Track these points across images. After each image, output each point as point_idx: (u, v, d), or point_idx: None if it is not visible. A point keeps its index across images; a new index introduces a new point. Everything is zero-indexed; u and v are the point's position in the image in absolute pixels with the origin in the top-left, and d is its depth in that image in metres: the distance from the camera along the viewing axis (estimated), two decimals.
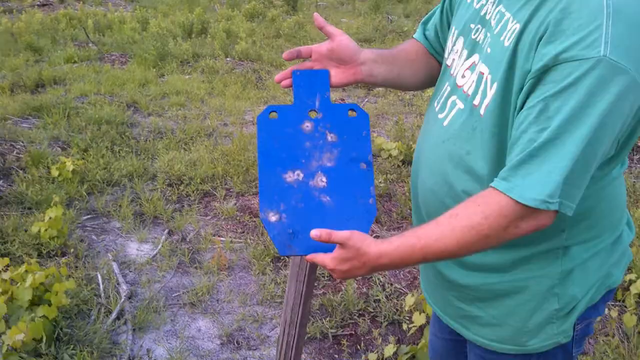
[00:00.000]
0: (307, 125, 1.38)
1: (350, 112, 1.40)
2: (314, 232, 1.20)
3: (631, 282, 2.99)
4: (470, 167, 1.25)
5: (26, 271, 2.68)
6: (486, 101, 1.20)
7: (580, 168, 1.06)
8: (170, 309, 3.01)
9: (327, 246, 1.24)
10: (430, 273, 1.49)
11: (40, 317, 2.51)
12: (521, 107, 1.11)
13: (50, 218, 3.35)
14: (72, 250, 3.39)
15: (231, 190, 4.25)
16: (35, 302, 2.61)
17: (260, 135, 1.37)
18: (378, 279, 3.21)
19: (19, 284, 2.63)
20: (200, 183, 4.30)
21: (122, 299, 2.99)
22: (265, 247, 3.49)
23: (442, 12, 1.51)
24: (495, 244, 1.15)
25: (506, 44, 1.16)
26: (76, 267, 3.25)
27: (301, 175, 1.35)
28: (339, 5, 15.18)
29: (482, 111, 1.21)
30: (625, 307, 2.92)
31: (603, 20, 1.02)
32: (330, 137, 1.37)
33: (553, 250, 1.26)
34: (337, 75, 1.43)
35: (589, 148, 1.05)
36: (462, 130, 1.26)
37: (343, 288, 3.12)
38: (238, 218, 3.89)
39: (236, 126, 5.65)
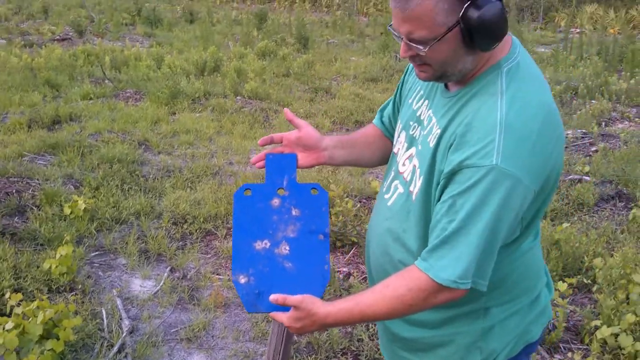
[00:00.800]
0: (276, 201, 1.64)
1: (312, 191, 1.66)
2: (272, 297, 1.48)
3: (597, 327, 3.18)
4: (404, 242, 1.53)
5: (37, 307, 2.93)
6: (416, 190, 1.47)
7: (484, 251, 1.32)
8: (168, 344, 3.24)
9: (287, 307, 1.50)
10: (381, 328, 1.75)
11: (48, 350, 2.76)
12: (438, 199, 1.38)
13: (61, 255, 3.61)
14: (79, 286, 3.65)
15: (232, 229, 4.49)
16: (44, 336, 2.86)
17: (235, 209, 1.63)
18: None
19: (30, 318, 2.87)
20: (203, 222, 4.56)
21: (124, 334, 3.23)
22: None
23: (393, 104, 1.80)
24: (418, 310, 1.43)
25: (430, 145, 1.44)
26: (83, 302, 3.50)
27: (268, 244, 1.60)
28: (350, 43, 15.58)
29: (413, 197, 1.49)
30: (589, 351, 3.12)
31: (496, 135, 1.29)
32: (294, 211, 1.63)
33: (475, 310, 1.51)
34: (303, 158, 1.71)
35: (489, 236, 1.31)
36: (400, 211, 1.54)
37: (327, 328, 3.34)
38: None
39: (241, 165, 5.93)
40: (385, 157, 1.80)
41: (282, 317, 1.50)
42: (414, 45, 1.34)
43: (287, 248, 1.60)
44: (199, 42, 13.50)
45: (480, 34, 1.29)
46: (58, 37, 14.29)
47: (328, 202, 1.65)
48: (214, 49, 10.87)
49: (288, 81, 10.01)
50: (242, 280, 1.57)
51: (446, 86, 1.50)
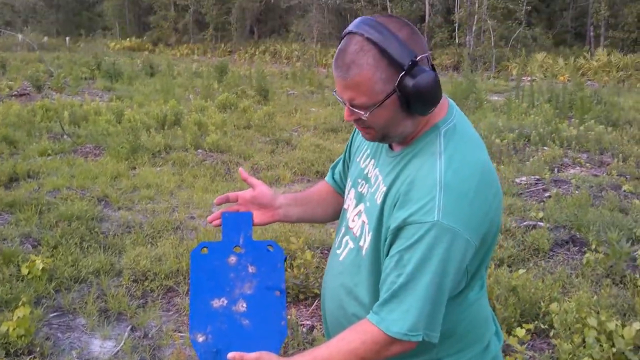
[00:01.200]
0: (232, 259, 1.68)
1: (269, 247, 1.70)
2: (230, 355, 1.50)
3: None
4: (356, 296, 1.59)
5: None
6: (365, 245, 1.55)
7: (432, 303, 1.39)
8: None
9: None
10: None
11: None
12: (387, 254, 1.46)
13: (18, 317, 3.55)
14: (38, 348, 3.57)
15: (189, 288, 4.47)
16: None
17: (192, 268, 1.67)
18: None
19: None
20: (165, 278, 4.53)
21: None
22: None
23: (343, 162, 1.90)
24: None
25: (377, 202, 1.52)
26: None
27: (225, 301, 1.63)
28: (309, 95, 15.85)
29: (363, 252, 1.56)
30: None
31: (436, 193, 1.38)
32: (250, 269, 1.67)
33: None
34: (258, 216, 1.77)
35: (436, 288, 1.39)
36: (351, 266, 1.61)
37: None
38: None
39: (202, 219, 5.92)
40: (337, 213, 1.87)
41: None
42: (356, 110, 1.44)
43: (244, 305, 1.63)
44: (159, 95, 13.59)
45: (416, 100, 1.40)
46: (16, 92, 14.21)
47: (283, 259, 1.70)
48: (174, 102, 10.95)
49: (249, 133, 10.12)
50: (200, 338, 1.59)
51: (390, 146, 1.60)
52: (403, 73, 1.38)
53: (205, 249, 1.69)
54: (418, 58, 1.39)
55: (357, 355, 1.43)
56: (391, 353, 1.43)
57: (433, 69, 1.43)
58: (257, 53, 35.77)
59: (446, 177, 1.40)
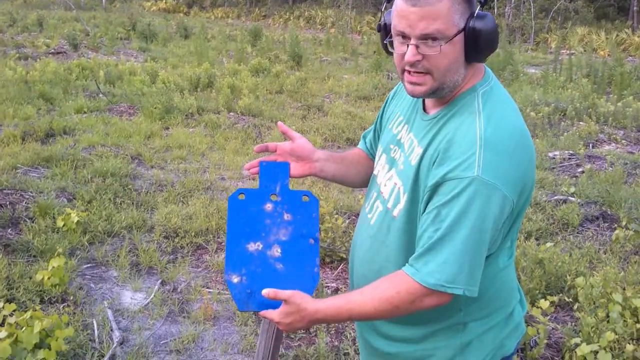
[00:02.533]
0: (269, 206, 1.72)
1: (304, 197, 1.74)
2: (264, 291, 1.55)
3: (577, 345, 3.27)
4: (388, 256, 1.61)
5: (31, 317, 2.98)
6: (399, 206, 1.56)
7: (471, 257, 1.40)
8: (158, 355, 3.30)
9: (277, 305, 1.57)
10: (362, 343, 1.83)
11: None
12: (424, 211, 1.47)
13: (53, 267, 3.67)
14: (71, 297, 3.70)
15: (222, 244, 4.57)
16: (37, 346, 2.91)
17: (230, 212, 1.71)
18: (349, 333, 3.50)
19: (23, 328, 2.93)
20: (195, 236, 4.63)
21: (114, 345, 3.29)
22: None
23: (374, 132, 1.91)
24: (404, 313, 1.49)
25: (413, 163, 1.53)
26: (74, 313, 3.55)
27: (261, 246, 1.68)
28: (343, 62, 15.74)
29: (395, 213, 1.57)
30: None
31: (476, 149, 1.39)
32: (286, 216, 1.71)
33: (454, 325, 1.58)
34: (295, 168, 1.79)
35: (473, 242, 1.39)
36: (381, 227, 1.63)
37: (316, 341, 3.40)
38: None
39: (233, 181, 6.00)
40: (369, 178, 1.89)
41: (272, 314, 1.56)
42: (426, 44, 1.42)
43: (279, 250, 1.67)
44: (193, 57, 13.64)
45: (482, 43, 1.42)
46: (53, 50, 14.39)
47: (318, 208, 1.73)
48: (207, 65, 10.99)
49: (281, 98, 10.13)
50: (235, 279, 1.64)
51: (424, 110, 1.61)
52: (473, 13, 1.42)
53: (242, 195, 1.73)
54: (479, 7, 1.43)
55: (391, 303, 1.45)
56: (425, 305, 1.45)
57: None
58: (291, 18, 35.52)
59: (486, 134, 1.40)
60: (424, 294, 1.43)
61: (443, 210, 1.40)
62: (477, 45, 1.42)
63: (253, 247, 1.68)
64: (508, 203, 1.41)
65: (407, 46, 1.44)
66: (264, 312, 1.59)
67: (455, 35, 1.41)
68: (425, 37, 1.42)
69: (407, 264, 1.47)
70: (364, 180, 1.92)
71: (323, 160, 1.82)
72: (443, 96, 1.52)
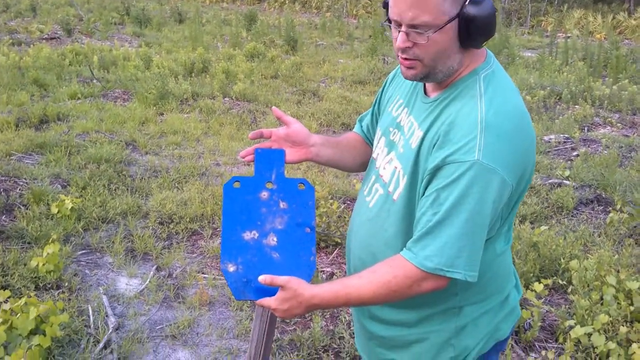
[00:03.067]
0: (264, 194, 1.71)
1: (300, 185, 1.73)
2: (261, 277, 1.54)
3: (571, 327, 3.29)
4: (387, 241, 1.60)
5: (26, 303, 2.98)
6: (399, 190, 1.55)
7: (470, 241, 1.40)
8: (154, 341, 3.31)
9: (273, 292, 1.56)
10: (358, 327, 1.83)
11: (36, 346, 2.82)
12: (423, 194, 1.46)
13: (47, 254, 3.66)
14: (66, 283, 3.71)
15: (217, 229, 4.57)
16: (32, 332, 2.91)
17: (225, 201, 1.70)
18: (344, 317, 3.51)
19: (18, 314, 2.93)
20: (190, 222, 4.62)
21: (110, 330, 3.29)
22: None
23: (372, 115, 1.90)
24: (402, 297, 1.50)
25: (413, 146, 1.52)
26: (69, 299, 3.56)
27: (257, 234, 1.67)
28: (338, 46, 15.66)
29: (395, 197, 1.56)
30: (563, 350, 3.22)
31: (477, 133, 1.38)
32: (282, 204, 1.70)
33: (449, 309, 1.59)
34: (291, 154, 1.77)
35: (472, 226, 1.39)
36: (381, 211, 1.62)
37: (312, 325, 3.41)
38: None
39: (228, 166, 5.99)
40: (364, 163, 1.89)
41: (269, 301, 1.55)
42: (415, 32, 1.42)
43: (275, 239, 1.67)
44: (187, 42, 13.55)
45: (476, 29, 1.40)
46: (46, 35, 14.28)
47: (314, 197, 1.72)
48: (202, 50, 10.93)
49: (276, 83, 10.08)
50: (231, 268, 1.63)
51: (425, 93, 1.59)
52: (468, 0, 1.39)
53: (237, 182, 1.72)
54: None
55: (388, 287, 1.46)
56: (423, 289, 1.45)
57: None
58: (286, 2, 35.29)
59: (487, 117, 1.39)
60: (422, 278, 1.43)
61: (442, 193, 1.40)
62: (471, 32, 1.41)
63: (249, 235, 1.67)
64: (507, 187, 1.41)
65: (399, 32, 1.44)
66: (260, 301, 1.58)
67: (447, 23, 1.39)
68: (414, 26, 1.41)
69: (405, 248, 1.47)
70: (360, 165, 1.91)
71: (319, 145, 1.80)
72: (440, 80, 1.51)
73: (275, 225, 1.69)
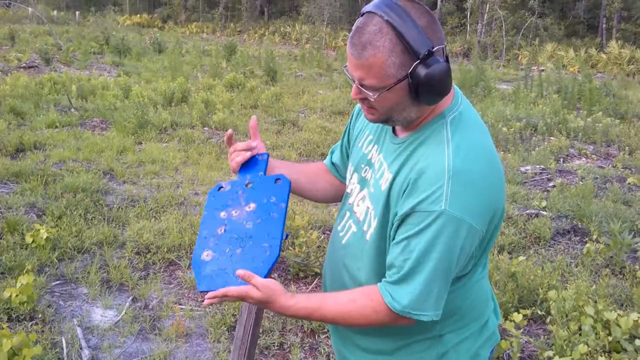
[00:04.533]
0: (241, 193, 1.72)
1: (277, 181, 1.72)
2: (239, 272, 1.48)
3: (550, 358, 3.28)
4: (359, 280, 1.62)
5: None
6: (370, 230, 1.57)
7: (437, 286, 1.43)
8: None
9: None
10: (338, 355, 1.83)
11: None
12: (393, 238, 1.48)
13: (21, 284, 3.59)
14: (40, 315, 3.62)
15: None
16: None
17: (207, 205, 1.72)
18: (323, 348, 3.47)
19: None
20: (167, 252, 4.57)
21: None
22: (222, 316, 3.75)
23: (341, 147, 1.90)
24: (376, 327, 1.53)
25: (382, 188, 1.53)
26: (43, 331, 3.48)
27: (224, 227, 1.66)
28: (317, 77, 15.81)
29: (367, 237, 1.58)
30: None
31: (444, 182, 1.39)
32: (251, 205, 1.69)
33: (429, 338, 1.59)
34: None
35: (440, 272, 1.41)
36: (354, 249, 1.64)
37: (290, 357, 3.37)
38: None
39: (207, 196, 5.95)
40: (328, 193, 1.91)
41: (240, 289, 1.48)
42: (364, 90, 1.44)
43: (250, 224, 1.65)
44: (167, 72, 13.58)
45: (426, 90, 1.39)
46: (24, 64, 14.21)
47: (289, 189, 1.70)
48: (182, 79, 10.94)
49: (256, 113, 10.12)
50: (206, 257, 1.60)
51: (394, 132, 1.61)
52: (417, 62, 1.37)
53: (222, 188, 1.74)
54: (435, 49, 1.37)
55: (367, 320, 1.49)
56: (398, 324, 1.49)
57: (447, 60, 1.42)
58: (266, 34, 35.64)
59: (455, 165, 1.40)
60: (398, 317, 1.47)
61: (412, 241, 1.42)
62: (422, 92, 1.40)
63: (220, 230, 1.65)
64: (477, 234, 1.43)
65: (354, 83, 1.47)
66: (237, 288, 1.48)
67: (394, 84, 1.40)
68: (362, 85, 1.44)
69: (382, 283, 1.49)
70: (322, 195, 1.93)
71: (277, 168, 1.81)
72: (402, 125, 1.53)
73: (243, 217, 1.67)
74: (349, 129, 1.85)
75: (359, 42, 1.39)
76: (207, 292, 1.54)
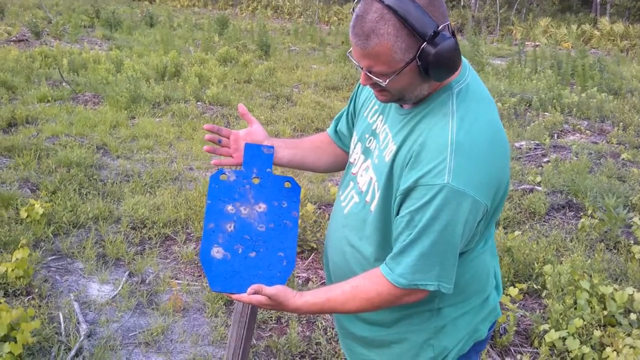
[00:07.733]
0: (249, 189, 1.70)
1: (286, 184, 1.72)
2: (250, 289, 1.53)
3: (545, 331, 3.31)
4: (360, 250, 1.62)
5: None
6: (375, 202, 1.55)
7: (440, 258, 1.42)
8: (126, 348, 3.24)
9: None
10: (338, 325, 1.84)
11: (7, 353, 2.74)
12: (397, 212, 1.47)
13: (17, 259, 3.57)
14: (36, 290, 3.62)
15: (191, 234, 4.51)
16: (2, 339, 2.83)
17: (210, 192, 1.69)
18: (321, 322, 3.49)
19: None
20: (163, 227, 4.56)
21: (82, 338, 3.22)
22: None
23: (347, 115, 1.88)
24: (385, 308, 1.56)
25: (386, 159, 1.52)
26: (39, 306, 3.47)
27: (233, 226, 1.65)
28: (311, 51, 15.69)
29: (372, 208, 1.57)
30: (538, 354, 3.24)
31: (447, 155, 1.38)
32: (262, 206, 1.68)
33: (428, 311, 1.60)
34: None
35: (442, 244, 1.41)
36: (356, 220, 1.63)
37: (288, 331, 3.38)
38: (196, 262, 4.15)
39: (201, 171, 5.93)
40: (332, 164, 1.91)
41: (252, 299, 1.55)
42: (374, 77, 1.42)
43: (262, 227, 1.66)
44: (159, 46, 13.43)
45: (436, 68, 1.37)
46: (14, 38, 14.01)
47: (300, 195, 1.72)
48: (174, 53, 10.83)
49: (249, 88, 10.04)
50: (217, 254, 1.61)
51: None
52: (424, 43, 1.34)
53: (224, 175, 1.70)
54: (440, 27, 1.35)
55: (372, 303, 1.50)
56: (404, 302, 1.50)
57: (453, 35, 1.40)
58: (258, 7, 35.26)
59: (458, 138, 1.39)
60: (403, 294, 1.48)
61: (416, 215, 1.42)
62: (431, 71, 1.38)
63: (230, 228, 1.66)
64: (480, 207, 1.41)
65: (362, 69, 1.45)
66: (244, 296, 1.56)
67: (403, 68, 1.38)
68: (370, 73, 1.42)
69: (384, 263, 1.50)
70: (325, 166, 1.93)
71: (277, 147, 1.80)
72: (414, 102, 1.51)
73: (256, 218, 1.67)
74: (355, 97, 1.84)
75: (362, 31, 1.36)
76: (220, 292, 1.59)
